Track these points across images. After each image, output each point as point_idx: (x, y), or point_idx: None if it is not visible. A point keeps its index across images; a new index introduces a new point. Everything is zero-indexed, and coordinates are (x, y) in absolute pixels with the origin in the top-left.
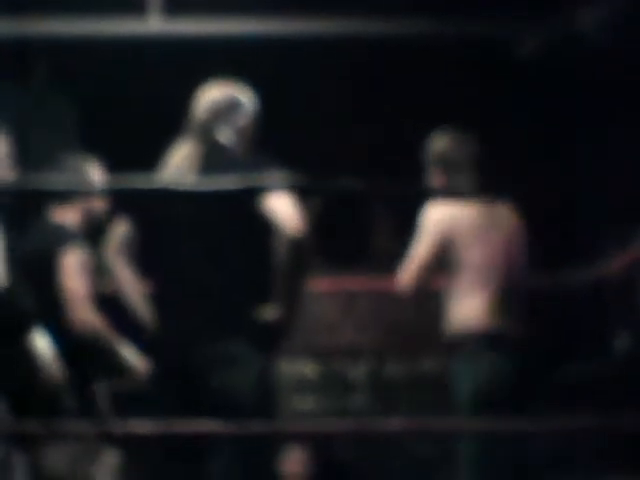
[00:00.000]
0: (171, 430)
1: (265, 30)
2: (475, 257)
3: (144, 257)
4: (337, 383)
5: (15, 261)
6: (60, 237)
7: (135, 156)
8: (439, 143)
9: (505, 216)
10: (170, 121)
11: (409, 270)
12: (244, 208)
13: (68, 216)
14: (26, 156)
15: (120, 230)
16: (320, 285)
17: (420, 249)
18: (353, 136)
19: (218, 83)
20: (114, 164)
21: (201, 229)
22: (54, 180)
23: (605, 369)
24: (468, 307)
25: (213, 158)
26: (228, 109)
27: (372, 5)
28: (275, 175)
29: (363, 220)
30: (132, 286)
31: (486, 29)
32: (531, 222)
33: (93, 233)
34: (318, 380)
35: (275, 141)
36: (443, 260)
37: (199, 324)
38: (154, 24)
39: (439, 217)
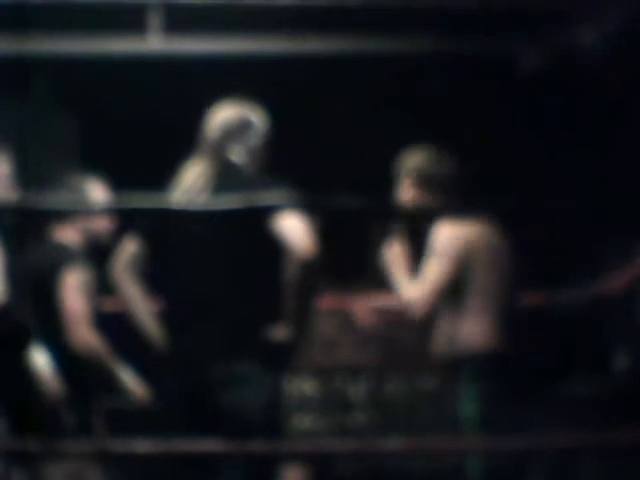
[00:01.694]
0: (171, 450)
1: (265, 49)
2: (485, 278)
3: (154, 276)
4: (337, 401)
5: (16, 279)
6: (61, 256)
7: (133, 174)
8: (416, 159)
9: (496, 236)
10: (169, 139)
11: (423, 294)
12: (253, 228)
13: (69, 235)
14: (27, 175)
15: (129, 248)
16: (319, 303)
17: (436, 272)
18: (357, 152)
19: (230, 102)
20: (112, 182)
21: (210, 248)
22: (55, 199)
23: (605, 387)
24: (475, 328)
25: (226, 177)
26: (240, 129)
27: (374, 23)
28: (281, 194)
29: (362, 237)
30: (140, 304)
31: (487, 45)
32: (530, 239)
33: (97, 252)
34: (318, 398)
35: (275, 160)
36: (457, 283)
37: (210, 344)
38: (154, 43)
39: (455, 238)
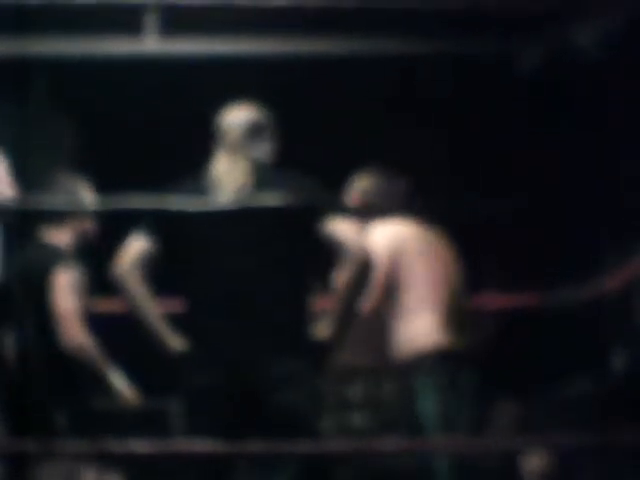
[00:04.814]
0: (170, 450)
1: (262, 50)
2: (419, 277)
3: (171, 277)
4: (335, 401)
5: (10, 278)
6: (51, 257)
7: (130, 175)
8: (361, 184)
9: (438, 241)
10: (166, 140)
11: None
12: (292, 225)
13: (59, 236)
14: (23, 176)
15: (136, 247)
16: (316, 304)
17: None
18: (357, 154)
19: (243, 104)
20: (109, 184)
21: (246, 247)
22: (48, 200)
23: (603, 387)
24: (416, 327)
25: (261, 176)
26: (262, 128)
27: (371, 24)
28: (318, 192)
29: None
30: (148, 304)
31: (485, 45)
32: (527, 238)
33: (84, 253)
34: None
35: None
36: (392, 283)
37: (247, 344)
38: (151, 44)
39: (385, 241)
